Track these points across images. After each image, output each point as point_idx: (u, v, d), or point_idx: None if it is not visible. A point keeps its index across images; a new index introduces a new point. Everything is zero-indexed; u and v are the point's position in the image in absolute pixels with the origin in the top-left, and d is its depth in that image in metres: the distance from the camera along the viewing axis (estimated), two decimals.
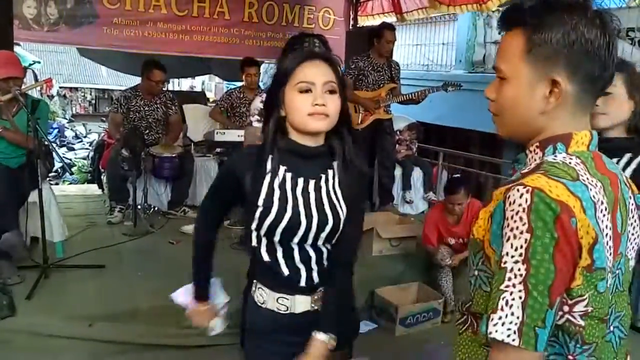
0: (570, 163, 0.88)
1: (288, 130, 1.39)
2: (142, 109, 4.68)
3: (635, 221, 0.98)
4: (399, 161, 5.47)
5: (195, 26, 5.67)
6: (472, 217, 3.69)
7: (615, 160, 1.68)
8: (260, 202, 1.35)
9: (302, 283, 1.41)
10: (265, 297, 1.44)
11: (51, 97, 16.77)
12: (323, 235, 1.38)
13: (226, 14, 5.83)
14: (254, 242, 1.40)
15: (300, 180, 1.38)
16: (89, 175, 7.90)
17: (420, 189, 5.66)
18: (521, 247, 0.80)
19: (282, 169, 1.37)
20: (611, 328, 0.93)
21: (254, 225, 1.37)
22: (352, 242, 1.48)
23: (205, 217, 1.58)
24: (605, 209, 0.86)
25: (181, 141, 5.06)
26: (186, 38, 5.66)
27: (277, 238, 1.37)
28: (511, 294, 0.81)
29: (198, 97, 6.66)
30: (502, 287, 0.82)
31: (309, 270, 1.41)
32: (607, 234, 0.86)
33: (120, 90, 5.30)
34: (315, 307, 1.44)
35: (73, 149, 12.81)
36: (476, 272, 0.96)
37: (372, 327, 3.40)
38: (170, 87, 14.55)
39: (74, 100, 23.52)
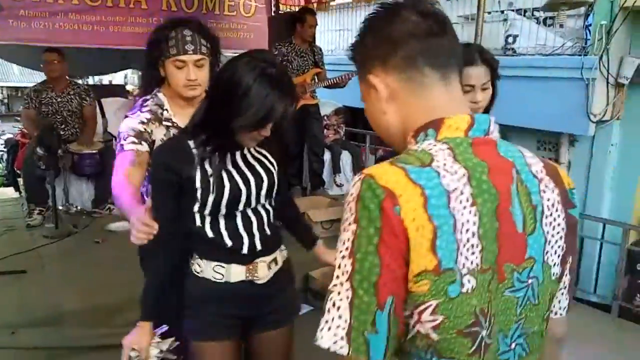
0: (430, 150, 0.78)
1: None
2: (54, 101, 4.44)
3: (555, 220, 0.83)
4: (327, 145, 5.53)
5: (110, 17, 5.40)
6: None
7: None
8: (198, 184, 1.40)
9: (245, 250, 1.47)
10: (203, 266, 1.49)
11: None
12: (263, 192, 1.49)
13: (143, 3, 5.61)
14: (198, 223, 1.45)
15: (228, 155, 1.45)
16: (5, 178, 7.43)
17: (350, 172, 5.75)
18: (348, 240, 0.72)
19: (207, 149, 1.41)
20: (512, 345, 0.81)
21: (196, 208, 1.42)
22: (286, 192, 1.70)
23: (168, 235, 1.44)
24: (467, 200, 0.73)
25: (101, 136, 4.86)
26: (101, 29, 5.39)
27: (223, 212, 1.43)
28: (339, 293, 0.71)
29: (117, 90, 6.41)
30: (330, 286, 0.73)
31: (251, 237, 1.48)
32: (469, 230, 0.72)
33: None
34: (250, 278, 1.49)
35: None
36: None
37: (308, 310, 3.45)
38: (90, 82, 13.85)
39: None
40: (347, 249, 0.72)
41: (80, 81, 5.39)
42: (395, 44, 0.82)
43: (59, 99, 4.47)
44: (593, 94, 4.45)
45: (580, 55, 4.66)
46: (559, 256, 0.84)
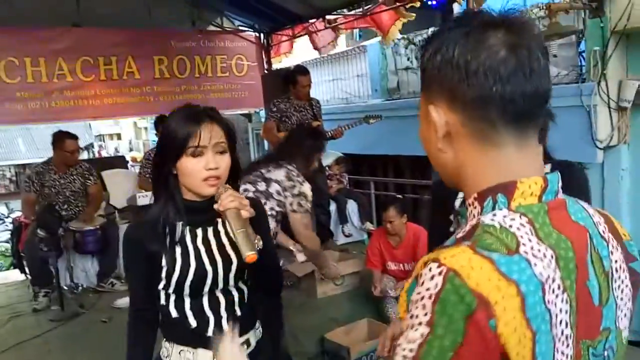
0: (511, 226, 0.65)
1: (181, 189, 1.38)
2: (57, 183, 4.40)
3: (623, 282, 0.73)
4: (332, 196, 5.46)
5: (104, 90, 5.50)
6: (414, 242, 3.74)
7: None
8: (164, 262, 1.35)
9: (209, 332, 1.38)
10: (169, 350, 1.41)
11: None
12: (231, 275, 1.40)
13: (136, 74, 5.70)
14: (162, 301, 1.40)
15: (199, 231, 1.40)
16: (13, 259, 7.36)
17: (357, 220, 5.65)
18: (414, 341, 0.60)
19: (179, 224, 1.37)
20: None
21: (161, 286, 1.37)
22: (270, 271, 1.48)
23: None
24: (559, 287, 0.63)
25: (103, 210, 4.81)
26: (96, 103, 5.47)
27: (186, 292, 1.36)
28: None
29: (116, 162, 6.41)
30: None
31: (218, 317, 1.40)
32: (562, 321, 0.64)
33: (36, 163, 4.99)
34: None
35: None
36: None
37: None
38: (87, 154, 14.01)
39: None
40: (411, 350, 0.60)
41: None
42: (468, 78, 0.66)
43: (61, 181, 4.42)
44: (596, 120, 4.35)
45: (577, 82, 4.61)
46: (628, 319, 0.75)
